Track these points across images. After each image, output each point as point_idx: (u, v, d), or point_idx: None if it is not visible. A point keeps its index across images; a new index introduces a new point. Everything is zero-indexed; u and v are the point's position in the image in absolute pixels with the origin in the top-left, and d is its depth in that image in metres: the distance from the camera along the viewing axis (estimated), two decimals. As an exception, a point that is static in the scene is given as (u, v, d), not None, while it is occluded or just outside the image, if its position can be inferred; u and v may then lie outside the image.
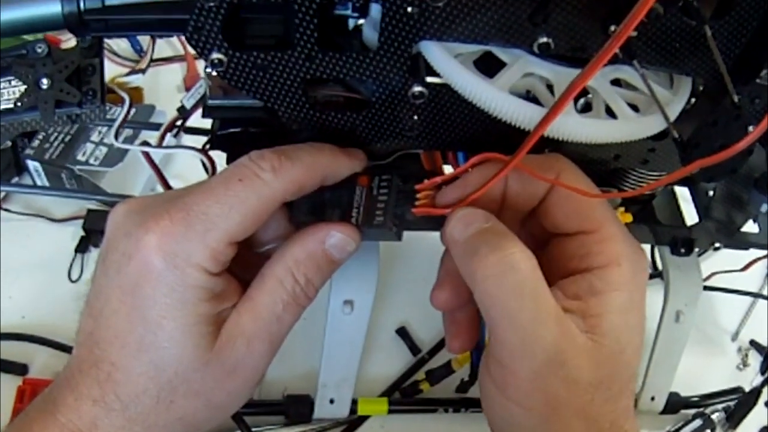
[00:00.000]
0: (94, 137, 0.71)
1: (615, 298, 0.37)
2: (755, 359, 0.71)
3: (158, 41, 0.82)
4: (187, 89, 0.85)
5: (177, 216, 0.35)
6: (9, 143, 0.72)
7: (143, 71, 0.80)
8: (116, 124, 0.47)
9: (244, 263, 0.38)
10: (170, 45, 0.88)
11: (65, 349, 0.64)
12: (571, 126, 0.37)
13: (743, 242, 0.54)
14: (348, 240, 0.40)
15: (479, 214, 0.38)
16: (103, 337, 0.36)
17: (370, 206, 0.40)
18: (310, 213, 0.40)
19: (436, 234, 0.40)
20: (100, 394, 0.36)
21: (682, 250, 0.55)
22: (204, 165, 0.46)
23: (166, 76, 0.86)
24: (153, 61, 0.82)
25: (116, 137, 0.47)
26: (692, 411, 0.65)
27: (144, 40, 0.85)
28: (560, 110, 0.34)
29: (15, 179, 0.74)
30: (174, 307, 0.35)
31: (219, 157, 0.45)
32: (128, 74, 0.81)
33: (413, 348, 0.67)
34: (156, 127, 0.60)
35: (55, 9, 0.38)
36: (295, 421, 0.59)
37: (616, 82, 0.41)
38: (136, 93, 0.80)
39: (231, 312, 0.38)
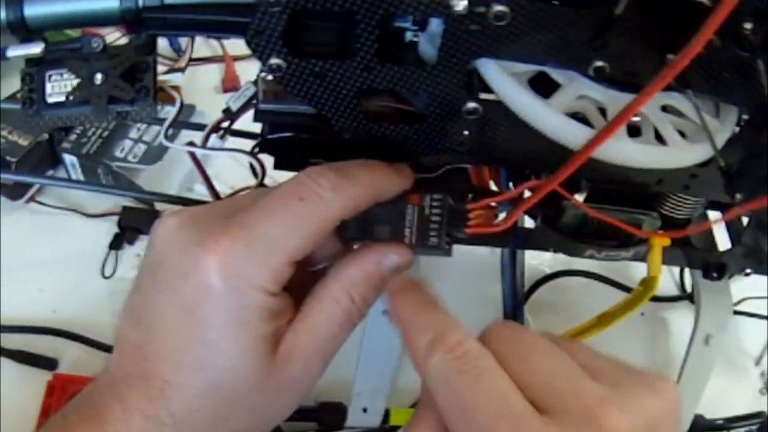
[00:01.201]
0: (133, 134, 0.72)
1: None
2: (777, 384, 0.72)
3: (196, 41, 0.83)
4: (225, 90, 0.86)
5: (237, 236, 0.35)
6: (46, 136, 0.72)
7: (182, 70, 0.81)
8: (167, 123, 0.47)
9: (294, 278, 0.38)
10: (208, 45, 0.89)
11: (96, 345, 0.64)
12: (623, 150, 0.38)
13: (773, 269, 0.55)
14: (402, 261, 0.40)
15: None
16: (154, 353, 0.36)
17: (423, 226, 0.40)
18: (359, 230, 0.40)
19: (476, 248, 0.41)
20: (151, 409, 0.35)
21: (714, 275, 0.55)
22: (252, 168, 0.46)
23: (204, 75, 0.87)
24: (192, 60, 0.83)
25: (166, 137, 0.48)
26: (717, 434, 0.66)
27: (183, 38, 0.85)
28: (611, 134, 0.35)
29: (50, 172, 0.75)
30: (234, 328, 0.35)
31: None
32: (166, 72, 0.82)
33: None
34: (196, 127, 0.61)
35: (112, 4, 0.38)
36: (327, 428, 0.60)
37: (663, 108, 0.41)
38: (174, 91, 0.81)
39: (287, 329, 0.37)
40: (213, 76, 0.88)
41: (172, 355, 0.35)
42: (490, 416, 0.31)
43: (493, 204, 0.41)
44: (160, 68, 0.83)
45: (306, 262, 0.38)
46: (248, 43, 0.36)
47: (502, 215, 0.43)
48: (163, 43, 0.86)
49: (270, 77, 0.38)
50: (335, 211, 0.37)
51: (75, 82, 0.41)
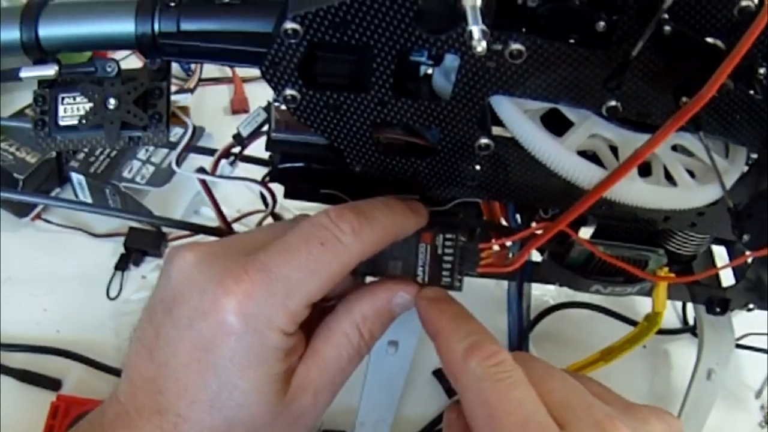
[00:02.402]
0: (141, 155, 0.72)
1: None
2: (777, 417, 0.72)
3: (205, 62, 0.83)
4: (234, 112, 0.86)
5: (257, 278, 0.35)
6: (54, 153, 0.72)
7: (191, 91, 0.80)
8: (179, 149, 0.47)
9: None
10: (218, 66, 0.88)
11: (100, 367, 0.64)
12: (633, 191, 0.38)
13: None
14: (412, 300, 0.40)
15: None
16: (169, 388, 0.36)
17: (436, 265, 0.41)
18: (372, 265, 0.40)
19: (481, 280, 0.41)
20: None
21: (718, 310, 0.55)
22: (263, 197, 0.46)
23: (213, 97, 0.87)
24: (201, 80, 0.83)
25: (177, 162, 0.48)
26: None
27: (192, 59, 0.86)
28: (624, 175, 0.35)
29: (57, 190, 0.75)
30: (250, 367, 0.35)
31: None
32: (176, 93, 0.82)
33: (449, 390, 0.67)
34: (205, 151, 0.61)
35: (128, 29, 0.38)
36: (330, 456, 0.59)
37: (673, 147, 0.41)
38: (182, 112, 0.81)
39: (298, 364, 0.38)
40: (222, 97, 0.87)
41: (186, 391, 0.36)
42: (518, 423, 0.33)
43: (507, 243, 0.41)
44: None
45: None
46: (263, 74, 0.36)
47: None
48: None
49: (284, 107, 0.38)
50: (355, 255, 0.37)
51: (88, 106, 0.41)
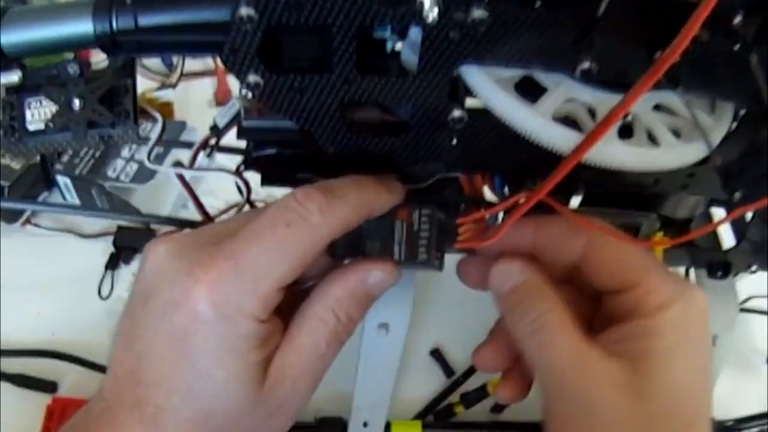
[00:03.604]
0: (125, 153, 0.71)
1: (661, 340, 0.37)
2: (789, 382, 0.70)
3: (188, 55, 0.82)
4: (218, 104, 0.85)
5: (224, 265, 0.35)
6: (38, 158, 0.72)
7: (173, 86, 0.80)
8: (149, 145, 0.46)
9: (284, 299, 0.38)
10: (201, 59, 0.87)
11: (95, 367, 0.64)
12: (614, 154, 0.36)
13: (780, 265, 0.53)
14: (388, 277, 0.39)
15: (515, 269, 0.40)
16: (147, 380, 0.36)
17: (412, 242, 0.40)
18: (349, 246, 0.39)
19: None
20: None
21: (719, 274, 0.54)
22: (238, 187, 0.45)
23: (197, 90, 0.86)
24: (183, 75, 0.82)
25: (149, 159, 0.47)
26: (728, 435, 0.64)
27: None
28: (599, 137, 0.34)
29: (44, 194, 0.75)
30: (224, 356, 0.35)
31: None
32: (158, 89, 0.81)
33: (447, 370, 0.66)
34: (187, 145, 0.60)
35: (86, 28, 0.37)
36: (327, 443, 0.59)
37: (656, 107, 0.40)
38: (166, 108, 0.80)
39: (276, 352, 0.37)
40: (207, 90, 0.87)
41: (163, 382, 0.35)
42: None
43: (483, 216, 0.40)
44: (153, 84, 0.82)
45: (295, 281, 0.37)
46: (224, 62, 0.35)
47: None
48: (155, 59, 0.85)
49: (250, 95, 0.37)
50: (323, 234, 0.36)
51: (54, 108, 0.41)
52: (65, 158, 0.71)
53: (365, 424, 0.55)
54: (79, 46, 0.38)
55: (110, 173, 0.69)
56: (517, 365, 0.43)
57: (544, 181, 0.36)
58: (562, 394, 0.37)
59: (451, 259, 0.43)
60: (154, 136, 0.46)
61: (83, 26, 0.37)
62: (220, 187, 0.69)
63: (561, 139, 0.36)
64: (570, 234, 0.40)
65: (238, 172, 0.45)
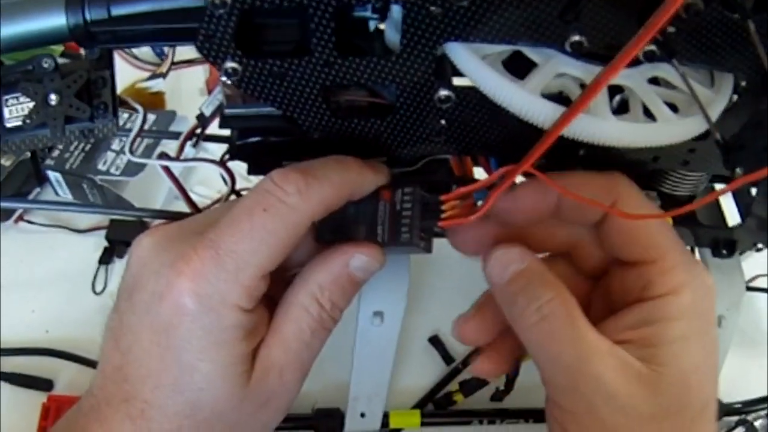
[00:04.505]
0: (115, 145, 0.70)
1: (673, 327, 0.36)
2: (798, 363, 0.69)
3: (180, 43, 0.80)
4: (210, 92, 0.84)
5: (205, 255, 0.34)
6: (28, 153, 0.71)
7: (164, 75, 0.78)
8: (130, 138, 0.45)
9: (272, 286, 0.37)
10: (192, 46, 0.86)
11: (91, 364, 0.63)
12: (607, 130, 0.35)
13: (788, 242, 0.52)
14: (372, 261, 0.38)
15: (515, 254, 0.38)
16: (133, 375, 0.35)
17: (395, 222, 0.38)
18: (335, 230, 0.38)
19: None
20: (132, 430, 0.35)
21: (724, 252, 0.52)
22: (223, 178, 0.44)
23: (189, 78, 0.84)
24: (174, 63, 0.81)
25: (131, 151, 0.46)
26: (735, 418, 0.63)
27: (165, 43, 0.83)
28: (580, 109, 0.32)
29: (36, 190, 0.74)
30: (210, 348, 0.34)
31: (237, 164, 0.44)
32: (148, 79, 0.80)
33: (446, 357, 0.65)
34: (176, 135, 0.59)
35: (59, 21, 0.36)
36: (325, 435, 0.58)
37: (654, 81, 0.38)
38: (157, 98, 0.79)
39: (261, 344, 0.37)
40: (198, 78, 0.85)
41: (149, 377, 0.35)
42: None
43: (468, 192, 0.38)
44: (143, 74, 0.80)
45: (282, 267, 0.36)
46: (200, 50, 0.35)
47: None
48: (145, 48, 0.83)
49: (228, 82, 0.36)
50: (303, 216, 0.35)
51: (31, 104, 0.40)
52: (55, 153, 0.70)
53: (363, 415, 0.54)
54: (54, 39, 0.37)
55: (101, 166, 0.68)
56: (500, 340, 0.42)
57: (528, 153, 0.34)
58: (571, 388, 0.36)
59: (447, 244, 0.41)
60: (135, 128, 0.45)
61: (56, 19, 0.36)
62: (211, 176, 0.68)
63: (541, 113, 0.35)
64: (600, 191, 0.38)
65: (221, 162, 0.43)
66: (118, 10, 0.36)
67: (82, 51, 0.41)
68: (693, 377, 0.36)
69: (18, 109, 0.40)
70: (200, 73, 0.85)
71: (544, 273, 0.38)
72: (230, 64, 0.35)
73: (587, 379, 0.35)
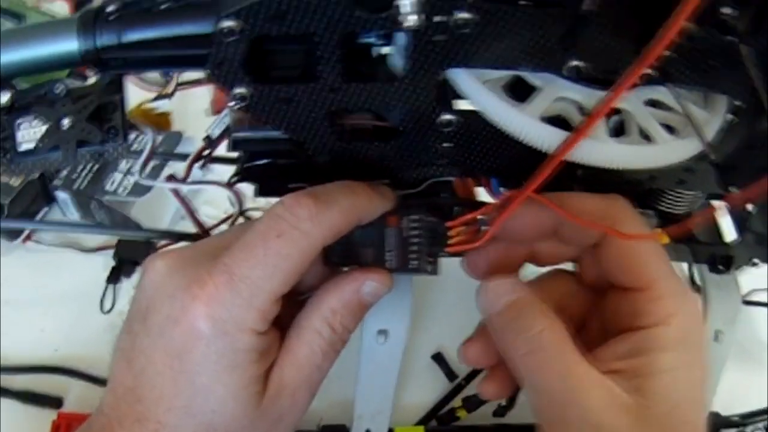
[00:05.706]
0: (122, 166, 0.71)
1: (662, 358, 0.36)
2: (795, 376, 0.69)
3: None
4: (216, 113, 0.85)
5: (220, 280, 0.35)
6: (36, 174, 0.72)
7: (170, 96, 0.79)
8: (140, 161, 0.46)
9: (283, 308, 0.37)
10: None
11: (99, 381, 0.64)
12: (606, 153, 0.36)
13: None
14: (381, 286, 0.39)
15: (507, 286, 0.39)
16: (146, 396, 0.36)
17: (403, 250, 0.39)
18: (343, 254, 0.39)
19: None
20: None
21: (721, 268, 0.53)
22: (230, 199, 0.45)
23: (195, 98, 0.85)
24: (180, 84, 0.81)
25: (140, 174, 0.47)
26: (733, 431, 0.64)
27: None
28: (583, 135, 0.33)
29: (44, 209, 0.74)
30: (224, 372, 0.35)
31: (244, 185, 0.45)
32: (154, 100, 0.80)
33: (450, 374, 0.66)
34: (184, 157, 0.60)
35: (71, 47, 0.37)
36: (330, 451, 0.59)
37: (650, 102, 0.39)
38: (163, 119, 0.79)
39: (274, 365, 0.37)
40: (204, 98, 0.86)
41: (163, 399, 0.35)
42: None
43: (476, 218, 0.39)
44: (150, 95, 0.81)
45: (293, 291, 0.37)
46: (210, 76, 0.35)
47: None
48: (151, 69, 0.84)
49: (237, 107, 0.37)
50: (315, 241, 0.36)
51: (44, 128, 0.41)
52: (63, 173, 0.70)
53: (368, 431, 0.55)
54: (66, 64, 0.38)
55: (108, 187, 0.69)
56: (504, 362, 0.42)
57: (530, 174, 0.35)
58: (559, 418, 0.36)
59: (452, 262, 0.42)
60: (145, 151, 0.46)
61: (69, 44, 0.37)
62: (218, 196, 0.69)
63: (544, 138, 0.36)
64: (598, 213, 0.38)
65: (229, 184, 0.44)
66: (128, 37, 0.37)
67: (89, 72, 0.42)
68: (680, 409, 0.36)
69: (30, 132, 0.41)
70: (205, 93, 0.85)
71: (536, 304, 0.38)
72: (240, 90, 0.36)
73: (575, 410, 0.35)
